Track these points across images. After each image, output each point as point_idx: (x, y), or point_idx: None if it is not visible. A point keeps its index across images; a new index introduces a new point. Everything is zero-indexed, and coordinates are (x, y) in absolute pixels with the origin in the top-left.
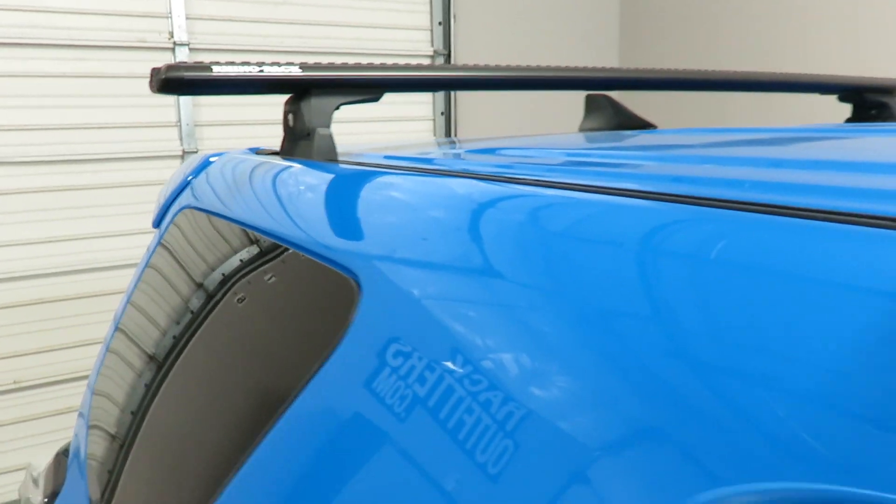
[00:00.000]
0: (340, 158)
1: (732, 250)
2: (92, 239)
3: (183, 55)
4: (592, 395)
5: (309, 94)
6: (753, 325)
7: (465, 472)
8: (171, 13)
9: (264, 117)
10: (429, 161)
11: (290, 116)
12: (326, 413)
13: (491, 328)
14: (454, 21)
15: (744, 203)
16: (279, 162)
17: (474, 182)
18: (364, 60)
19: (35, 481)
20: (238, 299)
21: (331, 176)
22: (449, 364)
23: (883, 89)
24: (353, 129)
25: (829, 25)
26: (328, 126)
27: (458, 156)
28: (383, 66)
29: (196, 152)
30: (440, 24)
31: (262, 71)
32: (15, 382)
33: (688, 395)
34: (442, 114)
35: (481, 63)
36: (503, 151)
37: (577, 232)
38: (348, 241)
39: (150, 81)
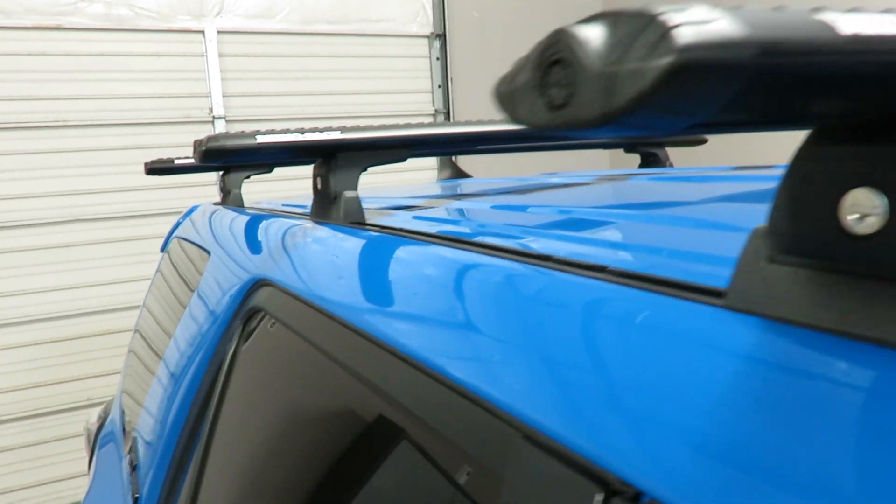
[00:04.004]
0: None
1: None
2: None
3: (221, 126)
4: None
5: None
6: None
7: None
8: (210, 93)
9: None
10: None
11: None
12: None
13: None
14: (451, 83)
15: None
16: (219, 208)
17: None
18: (376, 122)
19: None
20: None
21: (245, 217)
22: None
23: (652, 143)
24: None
25: None
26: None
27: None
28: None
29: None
30: (439, 86)
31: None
32: (88, 399)
33: None
34: None
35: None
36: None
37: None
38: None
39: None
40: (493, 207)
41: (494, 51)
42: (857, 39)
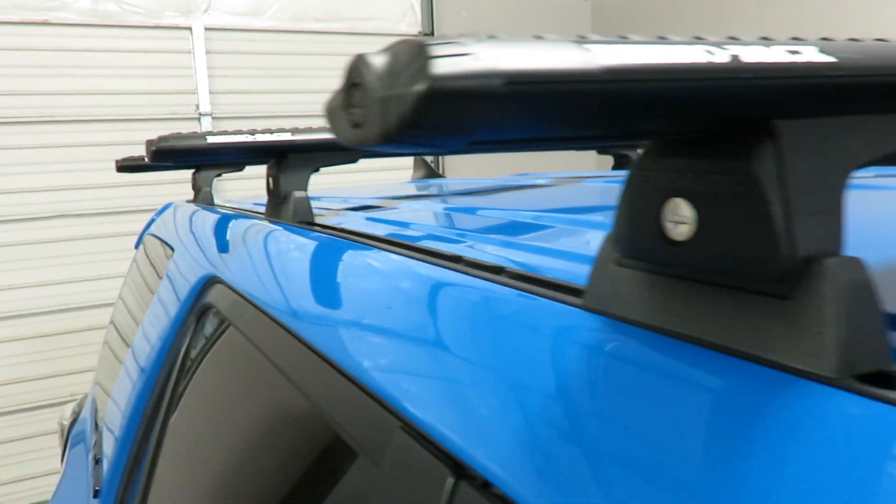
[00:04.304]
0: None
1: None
2: None
3: (207, 123)
4: None
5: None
6: None
7: None
8: (197, 89)
9: None
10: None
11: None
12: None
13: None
14: None
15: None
16: (190, 205)
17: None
18: None
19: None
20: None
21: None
22: None
23: (625, 145)
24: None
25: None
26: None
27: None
28: None
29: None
30: None
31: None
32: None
33: None
34: None
35: None
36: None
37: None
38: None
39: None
40: (445, 210)
41: None
42: (609, 70)
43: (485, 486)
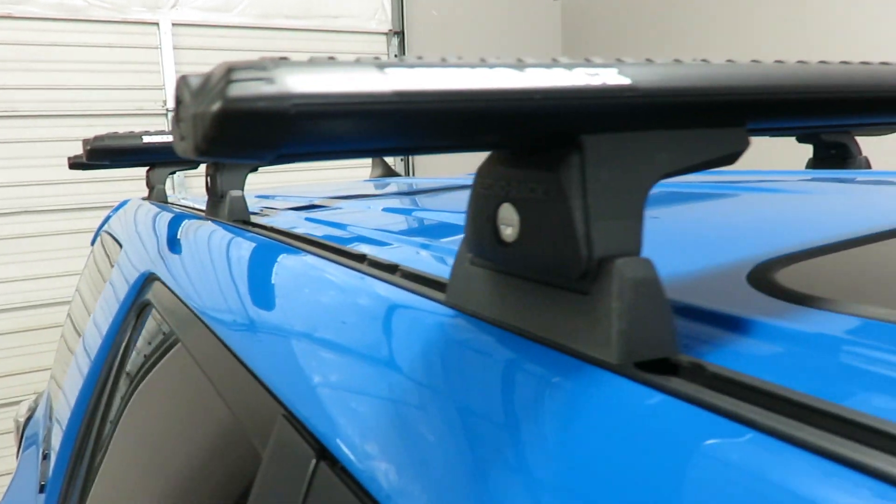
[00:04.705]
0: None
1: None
2: None
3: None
4: None
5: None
6: None
7: None
8: (164, 85)
9: None
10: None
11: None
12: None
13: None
14: None
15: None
16: (143, 203)
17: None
18: None
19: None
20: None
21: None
22: None
23: None
24: None
25: (775, 37)
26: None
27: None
28: None
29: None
30: None
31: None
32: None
33: None
34: None
35: None
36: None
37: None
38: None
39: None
40: (383, 210)
41: (453, 49)
42: (399, 93)
43: (342, 468)
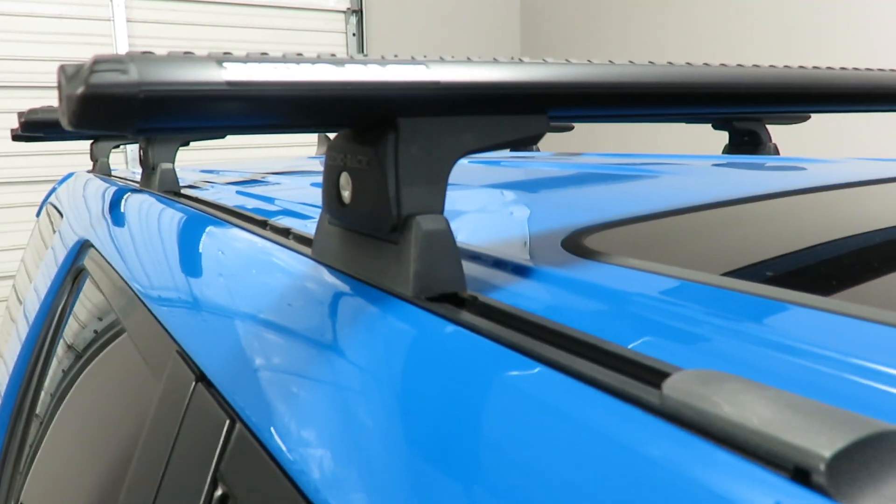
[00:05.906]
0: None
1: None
2: None
3: None
4: None
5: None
6: None
7: None
8: None
9: None
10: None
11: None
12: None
13: None
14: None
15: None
16: (89, 175)
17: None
18: None
19: None
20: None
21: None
22: None
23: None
24: None
25: (727, 41)
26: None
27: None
28: None
29: None
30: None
31: None
32: None
33: None
34: None
35: None
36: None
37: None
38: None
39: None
40: (311, 185)
41: (411, 28)
42: (231, 83)
43: (214, 388)
